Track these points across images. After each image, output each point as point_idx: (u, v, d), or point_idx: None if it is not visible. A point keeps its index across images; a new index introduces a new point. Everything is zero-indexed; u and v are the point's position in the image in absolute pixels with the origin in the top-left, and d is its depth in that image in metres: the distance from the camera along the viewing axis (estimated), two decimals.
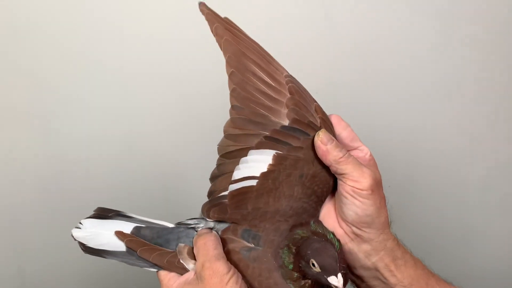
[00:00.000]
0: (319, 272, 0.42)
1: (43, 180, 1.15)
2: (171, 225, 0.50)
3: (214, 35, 0.45)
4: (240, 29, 0.47)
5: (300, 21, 1.00)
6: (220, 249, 0.46)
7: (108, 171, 1.12)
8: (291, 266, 0.44)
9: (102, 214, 0.50)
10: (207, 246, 0.46)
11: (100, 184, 1.11)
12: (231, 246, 0.47)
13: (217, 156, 0.48)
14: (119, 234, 0.48)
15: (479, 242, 1.15)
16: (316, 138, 0.44)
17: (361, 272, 0.52)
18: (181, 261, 0.47)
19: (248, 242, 0.46)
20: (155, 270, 0.49)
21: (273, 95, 0.45)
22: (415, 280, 0.51)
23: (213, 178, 0.49)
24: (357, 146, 0.49)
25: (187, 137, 1.10)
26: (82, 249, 0.48)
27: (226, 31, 0.45)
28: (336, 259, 0.41)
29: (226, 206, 0.47)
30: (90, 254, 0.49)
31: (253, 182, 0.45)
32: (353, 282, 0.54)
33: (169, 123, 1.09)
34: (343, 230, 0.48)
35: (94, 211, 0.50)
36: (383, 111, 1.08)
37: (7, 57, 1.03)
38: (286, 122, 0.45)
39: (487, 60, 1.05)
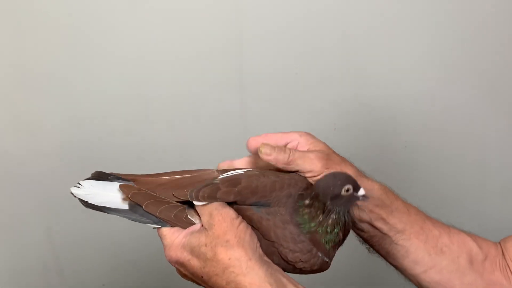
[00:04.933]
0: (351, 193, 0.44)
1: (65, 142, 1.18)
2: None
3: None
4: None
5: None
6: (224, 203, 0.46)
7: (125, 130, 1.14)
8: (309, 211, 0.45)
9: (101, 176, 0.49)
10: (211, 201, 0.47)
11: (120, 143, 1.14)
12: (240, 206, 0.47)
13: None
14: (124, 188, 0.47)
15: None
16: (260, 155, 0.48)
17: (359, 225, 0.53)
18: (189, 216, 0.47)
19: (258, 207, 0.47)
20: (157, 227, 0.47)
21: None
22: (408, 225, 0.52)
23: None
24: (286, 142, 0.52)
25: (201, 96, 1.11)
26: (83, 204, 0.48)
27: None
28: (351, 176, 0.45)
29: (218, 185, 0.47)
30: (91, 209, 0.48)
31: (241, 171, 0.49)
32: (357, 234, 0.56)
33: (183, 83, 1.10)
34: None
35: (92, 174, 0.49)
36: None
37: (31, 21, 1.05)
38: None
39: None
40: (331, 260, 0.46)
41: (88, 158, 1.18)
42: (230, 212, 0.45)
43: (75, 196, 0.47)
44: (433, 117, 1.11)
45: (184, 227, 0.47)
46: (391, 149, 1.14)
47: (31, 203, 1.25)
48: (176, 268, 0.47)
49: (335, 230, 0.45)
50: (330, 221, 0.45)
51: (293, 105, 1.12)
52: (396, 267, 0.56)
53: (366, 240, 0.55)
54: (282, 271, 0.45)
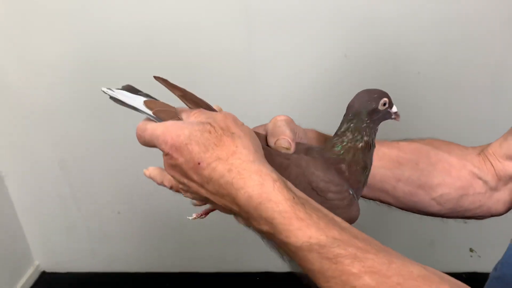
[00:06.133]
0: (387, 108, 0.43)
1: (74, 77, 1.18)
2: None
3: None
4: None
5: None
6: None
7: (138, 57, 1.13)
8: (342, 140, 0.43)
9: (131, 90, 0.46)
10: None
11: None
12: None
13: None
14: (149, 103, 0.44)
15: None
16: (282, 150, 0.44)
17: None
18: None
19: None
20: None
21: None
22: None
23: None
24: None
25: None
26: (112, 100, 0.45)
27: None
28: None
29: None
30: (119, 104, 0.45)
31: None
32: None
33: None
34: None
35: (123, 86, 0.46)
36: None
37: None
38: None
39: None
40: (358, 197, 0.44)
41: (97, 90, 1.17)
42: (230, 113, 0.41)
43: (105, 93, 0.45)
44: (447, 43, 1.06)
45: None
46: (404, 75, 1.10)
47: (43, 137, 1.27)
48: (166, 156, 0.40)
49: (363, 155, 0.43)
50: (361, 145, 0.42)
51: (303, 30, 1.07)
52: (375, 198, 0.55)
53: None
54: None
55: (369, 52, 1.08)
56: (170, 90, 0.44)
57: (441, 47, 1.07)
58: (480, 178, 0.53)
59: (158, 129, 0.40)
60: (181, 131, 0.38)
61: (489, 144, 0.54)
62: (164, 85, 0.43)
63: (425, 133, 1.14)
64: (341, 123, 0.44)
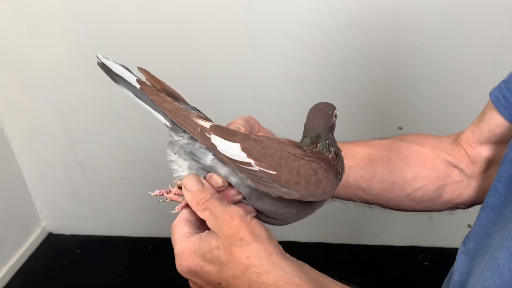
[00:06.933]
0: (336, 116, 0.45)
1: (80, 40, 1.18)
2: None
3: None
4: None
5: None
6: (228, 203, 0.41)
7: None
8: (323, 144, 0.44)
9: (126, 69, 0.46)
10: (212, 202, 0.40)
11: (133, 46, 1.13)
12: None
13: None
14: (141, 81, 0.44)
15: None
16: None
17: None
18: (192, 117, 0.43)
19: None
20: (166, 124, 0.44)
21: None
22: None
23: None
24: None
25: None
26: (101, 67, 0.45)
27: None
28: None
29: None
30: (103, 70, 0.44)
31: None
32: None
33: None
34: None
35: (121, 64, 0.46)
36: None
37: None
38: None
39: None
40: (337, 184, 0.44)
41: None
42: (237, 210, 0.39)
43: (98, 59, 0.45)
44: (451, 16, 1.03)
45: (184, 123, 0.42)
46: (407, 47, 1.08)
47: (49, 103, 1.29)
48: (189, 281, 0.41)
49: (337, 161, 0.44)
50: (331, 156, 0.43)
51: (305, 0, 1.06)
52: (352, 198, 0.55)
53: None
54: (309, 266, 0.40)
55: (372, 23, 1.06)
56: (151, 82, 0.44)
57: (445, 20, 1.04)
58: (455, 167, 0.52)
59: (175, 246, 0.41)
60: (194, 255, 0.39)
61: (462, 132, 0.53)
62: (146, 76, 0.43)
63: (427, 106, 1.14)
64: (304, 144, 0.44)
